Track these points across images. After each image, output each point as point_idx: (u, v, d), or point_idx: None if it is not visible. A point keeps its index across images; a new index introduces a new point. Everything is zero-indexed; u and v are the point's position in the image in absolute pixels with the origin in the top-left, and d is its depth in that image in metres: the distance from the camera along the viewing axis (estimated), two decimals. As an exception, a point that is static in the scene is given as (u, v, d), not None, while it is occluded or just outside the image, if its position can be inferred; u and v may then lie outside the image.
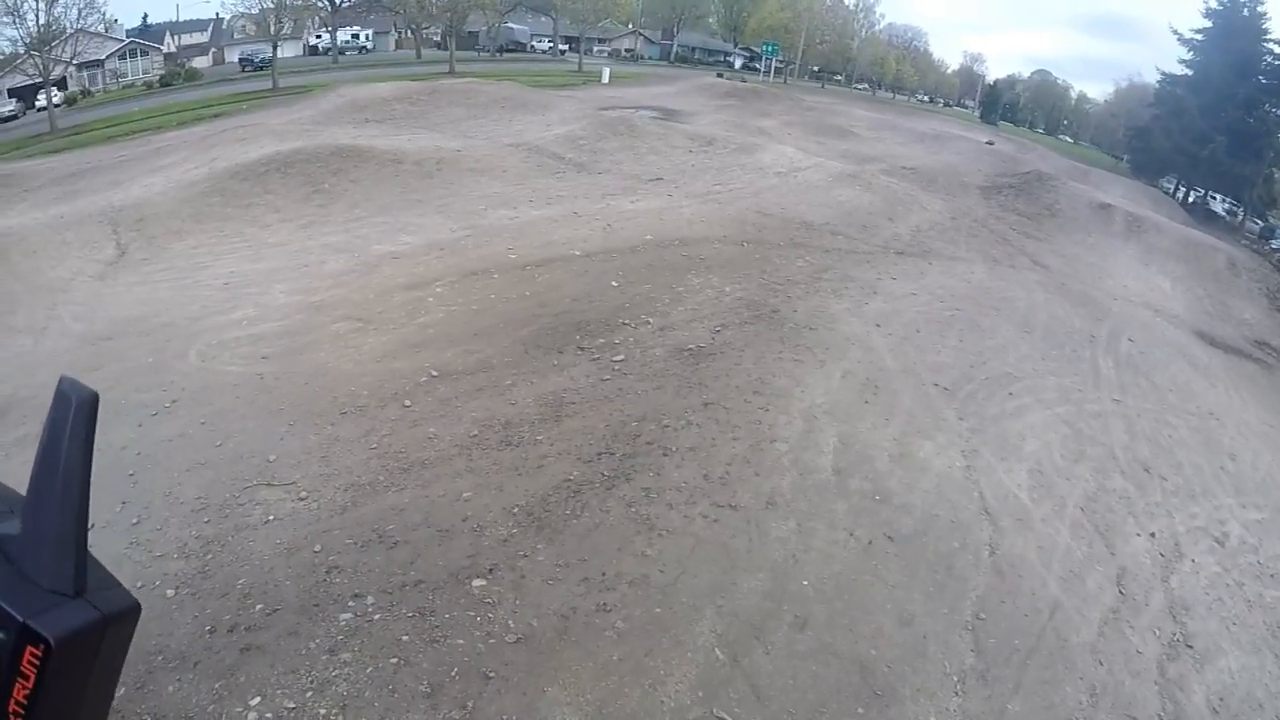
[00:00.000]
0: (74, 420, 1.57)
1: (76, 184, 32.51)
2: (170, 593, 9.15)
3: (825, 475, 11.73)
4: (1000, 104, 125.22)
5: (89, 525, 1.73)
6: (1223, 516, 14.46)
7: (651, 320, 16.38)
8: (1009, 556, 11.08)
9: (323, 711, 7.70)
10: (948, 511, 11.61)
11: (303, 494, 10.95)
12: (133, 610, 1.61)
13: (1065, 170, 55.65)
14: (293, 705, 7.72)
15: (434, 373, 14.16)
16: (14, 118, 62.59)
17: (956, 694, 8.63)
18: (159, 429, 12.95)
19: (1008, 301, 21.61)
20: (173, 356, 15.69)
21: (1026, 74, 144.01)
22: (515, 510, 10.44)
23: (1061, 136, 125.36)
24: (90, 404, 1.58)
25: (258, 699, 7.76)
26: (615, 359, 14.61)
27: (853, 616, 9.30)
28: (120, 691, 6.45)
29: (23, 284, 20.99)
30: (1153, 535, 12.84)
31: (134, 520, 10.54)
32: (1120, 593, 11.26)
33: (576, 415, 12.71)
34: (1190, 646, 10.70)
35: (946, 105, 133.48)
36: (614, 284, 18.10)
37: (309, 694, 7.84)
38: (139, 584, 9.28)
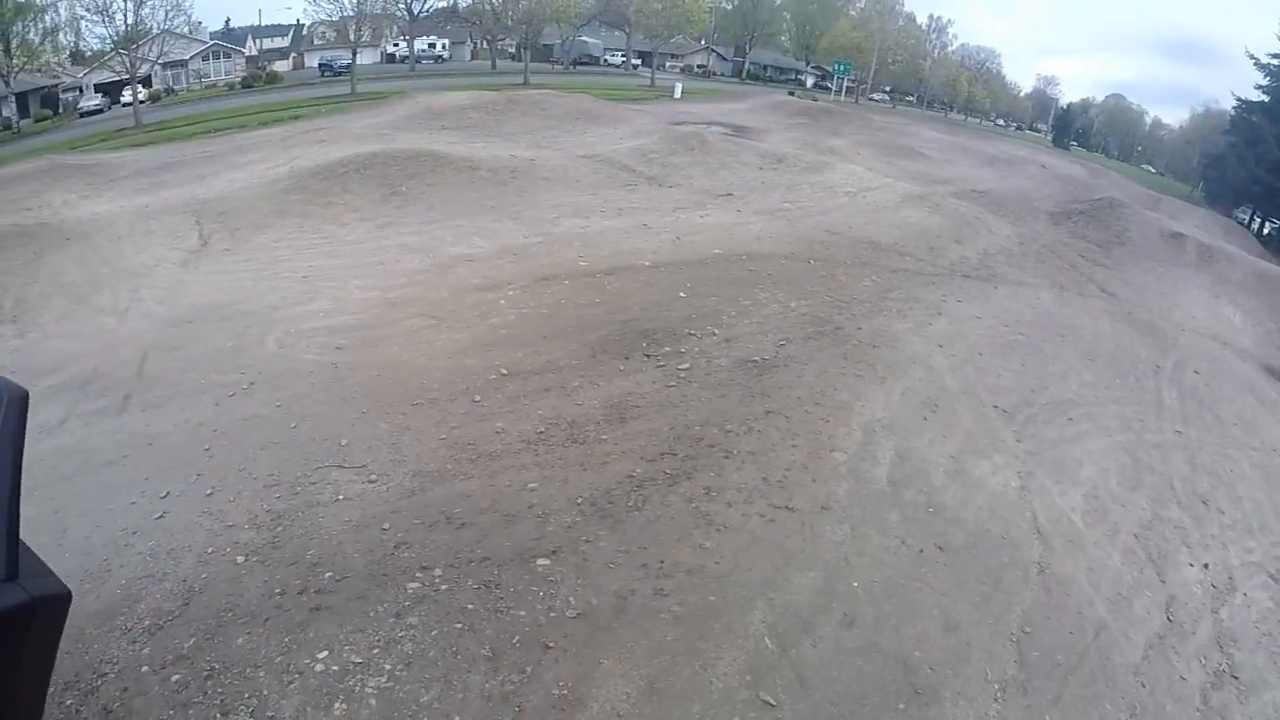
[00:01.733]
0: (4, 416, 1.82)
1: (161, 176, 33.92)
2: (240, 559, 9.82)
3: (881, 485, 12.03)
4: (1073, 128, 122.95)
5: (18, 515, 2.06)
6: (1280, 553, 14.36)
7: (717, 331, 16.79)
8: (1058, 575, 11.21)
9: (388, 667, 8.26)
10: (999, 528, 11.80)
11: (372, 477, 11.56)
12: (63, 596, 1.89)
13: (1137, 198, 54.75)
14: (359, 660, 8.31)
15: (503, 371, 14.74)
16: (99, 112, 65.12)
17: (996, 700, 8.86)
18: (235, 409, 13.74)
19: (1073, 328, 21.50)
20: (251, 342, 16.55)
21: (1100, 98, 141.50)
22: (579, 501, 10.96)
23: (1146, 167, 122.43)
24: (21, 401, 1.87)
25: (325, 653, 8.37)
26: (680, 367, 15.04)
27: (900, 619, 9.60)
28: (190, 642, 7.73)
29: (108, 267, 22.08)
30: (1206, 566, 12.77)
31: (207, 492, 11.27)
32: (1168, 619, 11.29)
33: (641, 418, 13.18)
34: (1236, 678, 10.66)
35: (1019, 129, 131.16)
36: (681, 295, 18.55)
37: (375, 651, 8.41)
38: (209, 550, 10.04)
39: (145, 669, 8.35)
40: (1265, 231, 72.28)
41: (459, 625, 8.80)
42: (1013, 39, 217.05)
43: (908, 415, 14.42)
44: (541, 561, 9.84)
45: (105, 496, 11.49)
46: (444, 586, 9.36)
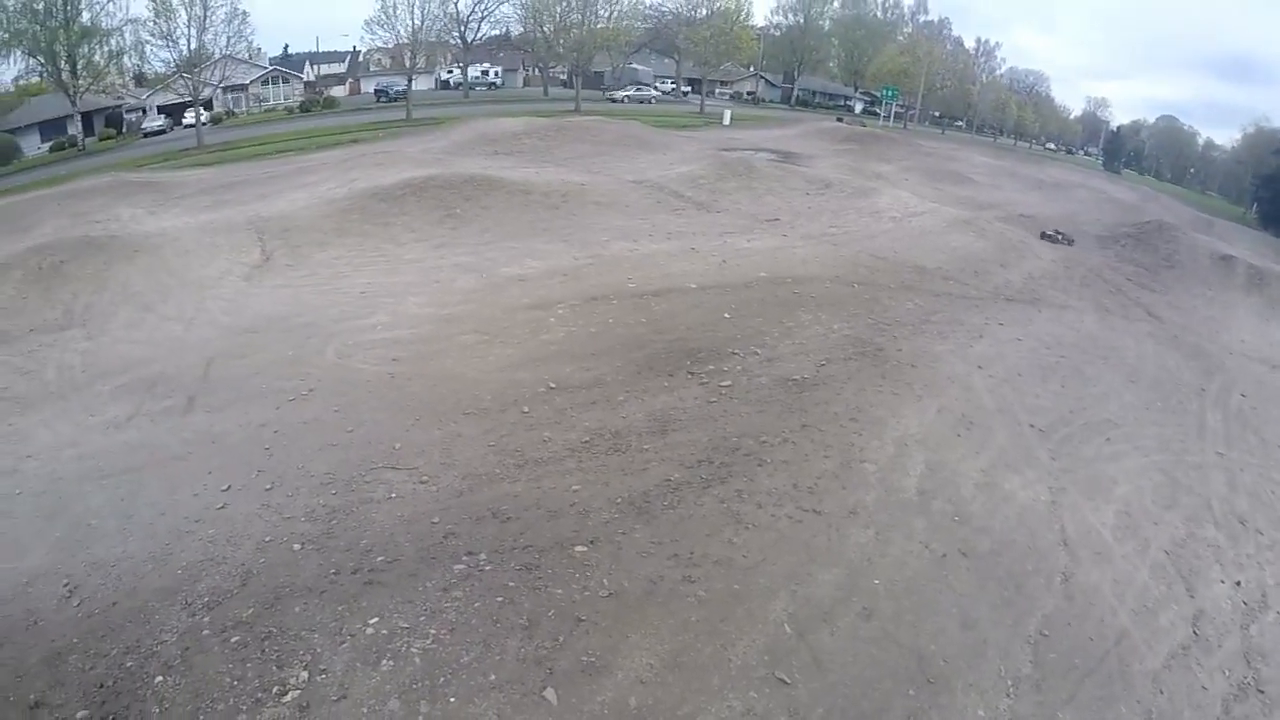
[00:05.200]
0: None
1: (225, 195, 35.32)
2: (297, 547, 10.82)
3: (909, 495, 12.53)
4: (1124, 151, 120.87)
5: None
6: (1321, 576, 14.29)
7: (760, 351, 17.36)
8: (1082, 585, 11.55)
9: (433, 631, 9.21)
10: (1026, 538, 12.18)
11: (424, 478, 12.49)
12: None
13: (1188, 221, 54.06)
14: (406, 625, 9.27)
15: (552, 385, 15.53)
16: (163, 132, 67.23)
17: (1008, 695, 9.33)
18: (296, 412, 14.81)
19: (1116, 351, 21.60)
20: (312, 352, 17.62)
21: (1151, 119, 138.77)
22: (618, 501, 11.74)
23: (1209, 193, 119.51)
24: None
25: (376, 619, 9.39)
26: (723, 384, 15.65)
27: (918, 614, 10.12)
28: (249, 611, 9.14)
29: (175, 279, 23.34)
30: (1238, 584, 12.89)
31: (267, 487, 12.32)
32: (1194, 633, 11.51)
33: (682, 430, 13.83)
34: (1262, 691, 10.86)
35: (1069, 153, 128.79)
36: (726, 316, 19.14)
37: (422, 618, 9.39)
38: (267, 538, 11.07)
39: (206, 633, 9.30)
40: (1321, 253, 70.35)
41: (500, 599, 9.68)
42: (1062, 61, 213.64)
43: (941, 431, 14.86)
44: (579, 549, 10.63)
45: (170, 488, 12.49)
46: (488, 568, 10.22)
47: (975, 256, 28.55)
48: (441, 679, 8.61)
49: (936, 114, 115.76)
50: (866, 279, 23.51)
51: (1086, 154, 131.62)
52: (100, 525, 11.70)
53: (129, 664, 8.94)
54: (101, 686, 8.70)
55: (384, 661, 8.80)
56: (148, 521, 11.64)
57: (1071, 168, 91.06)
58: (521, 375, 15.99)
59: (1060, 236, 35.06)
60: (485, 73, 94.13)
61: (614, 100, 77.12)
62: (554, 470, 12.57)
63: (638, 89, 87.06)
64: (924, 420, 15.10)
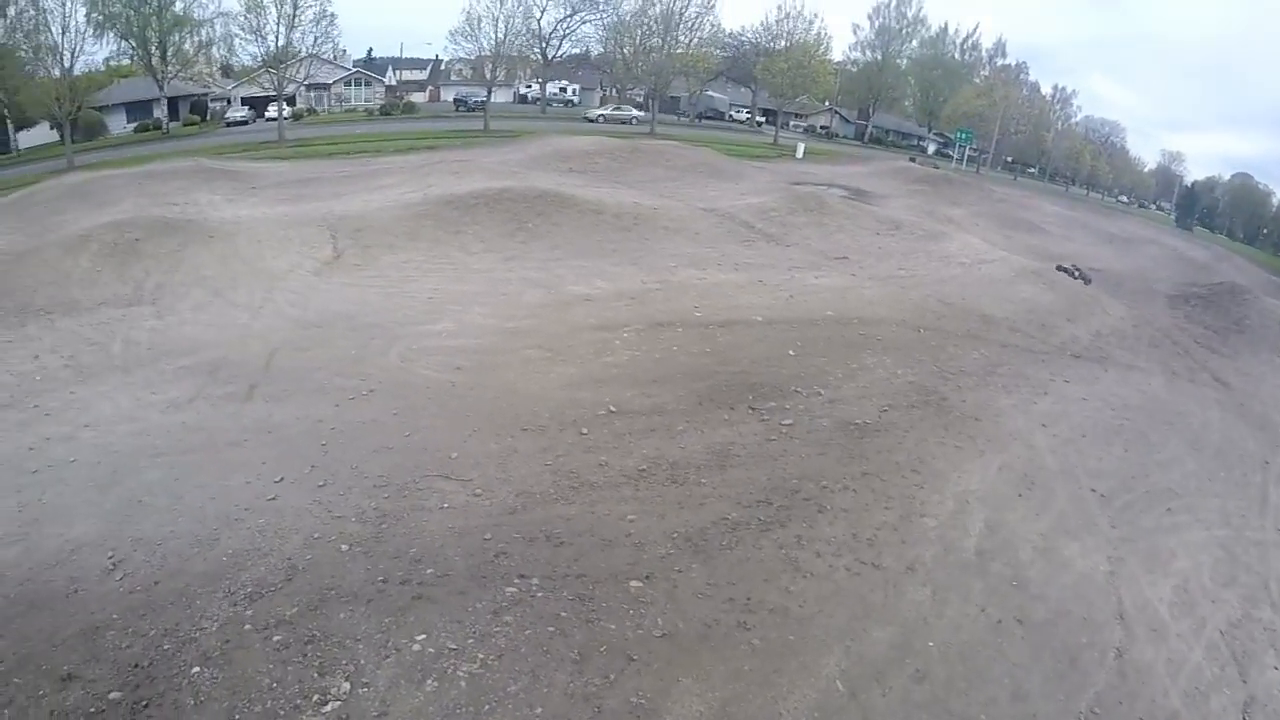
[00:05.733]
0: None
1: (301, 189, 36.11)
2: (344, 548, 10.94)
3: (968, 554, 12.39)
4: (1197, 207, 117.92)
5: None
6: (1382, 668, 13.97)
7: (823, 392, 17.29)
8: (1136, 663, 11.33)
9: (480, 656, 9.19)
10: (1082, 609, 11.97)
11: (478, 491, 12.59)
12: None
13: (1260, 284, 52.35)
14: (454, 647, 9.27)
15: (612, 408, 15.61)
16: (245, 123, 69.58)
17: (1057, 774, 9.19)
18: (354, 411, 15.07)
19: (1181, 416, 21.15)
20: (375, 353, 17.97)
21: (1226, 176, 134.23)
22: (675, 535, 11.73)
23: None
24: None
25: (423, 636, 9.40)
26: (784, 422, 15.61)
27: (970, 681, 9.99)
28: (292, 609, 9.19)
29: (246, 267, 23.99)
30: None
31: (320, 483, 12.53)
32: (1244, 718, 11.29)
33: (740, 466, 13.82)
34: None
35: (1140, 206, 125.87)
36: (790, 353, 19.10)
37: (470, 641, 9.38)
38: (315, 535, 11.23)
39: (248, 627, 9.38)
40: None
41: (551, 629, 9.65)
42: (1138, 111, 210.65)
43: (1003, 490, 14.67)
44: (634, 583, 10.61)
45: (223, 473, 12.75)
46: (540, 594, 10.21)
47: (1043, 309, 28.09)
48: (486, 707, 8.60)
49: (1009, 159, 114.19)
50: (933, 325, 23.31)
51: (1158, 208, 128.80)
52: (151, 502, 11.97)
53: (166, 647, 9.05)
54: (136, 667, 8.79)
55: (429, 682, 8.82)
56: (198, 504, 11.89)
57: (1143, 222, 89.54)
58: (582, 395, 16.10)
59: (1077, 273, 34.44)
60: (562, 90, 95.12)
61: (589, 120, 74.92)
62: (609, 496, 12.61)
63: (616, 108, 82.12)
64: (986, 477, 14.93)
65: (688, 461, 13.81)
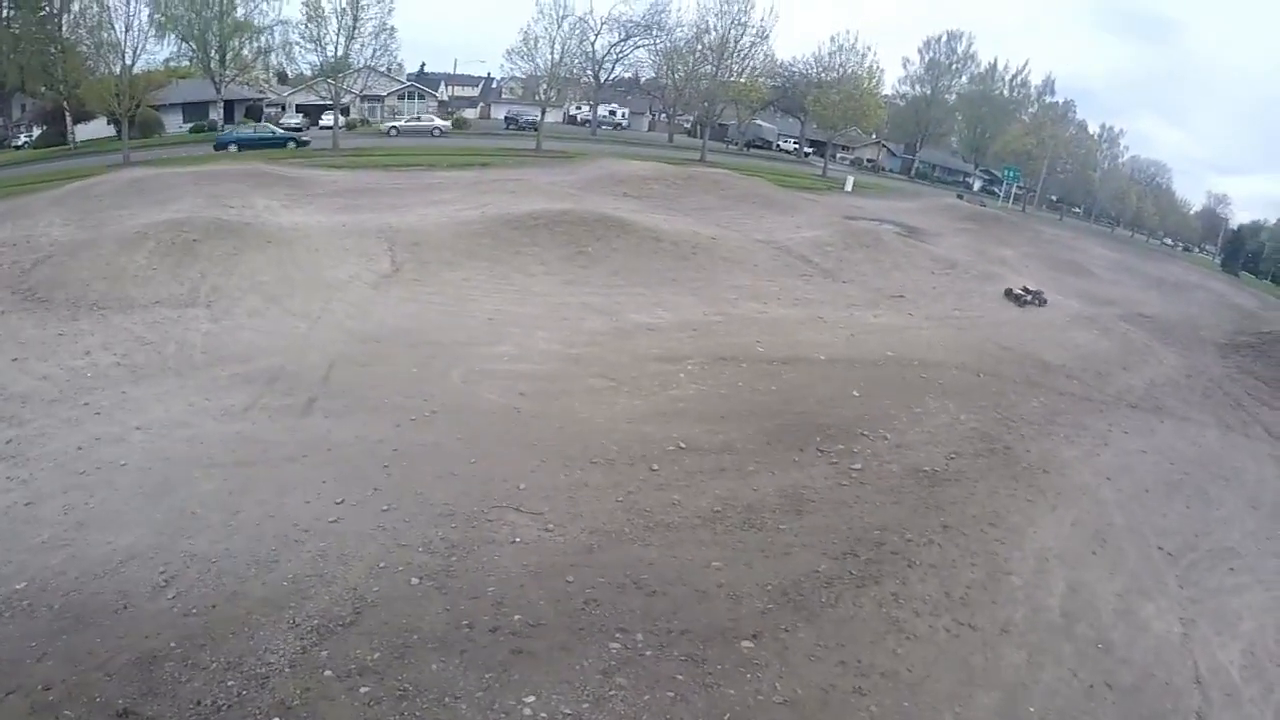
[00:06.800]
0: None
1: (357, 199, 36.19)
2: (414, 580, 10.66)
3: (1054, 615, 12.17)
4: (1243, 252, 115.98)
5: None
6: None
7: (889, 436, 17.12)
8: (1216, 729, 11.11)
9: None
10: (1163, 673, 11.77)
11: (550, 526, 12.34)
12: None
13: None
14: (569, 712, 8.83)
15: (681, 444, 15.43)
16: (299, 130, 69.44)
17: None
18: (417, 433, 14.85)
19: (1237, 472, 20.80)
20: (436, 373, 17.81)
21: (1273, 220, 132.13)
22: (769, 588, 11.45)
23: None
24: None
25: (532, 698, 8.93)
26: (854, 466, 15.44)
27: (1073, 748, 9.77)
28: (374, 655, 8.71)
29: (303, 275, 24.03)
30: None
31: (384, 508, 12.28)
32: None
33: (817, 513, 13.63)
34: None
35: (1185, 249, 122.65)
36: (855, 394, 18.95)
37: (585, 705, 8.95)
38: (381, 564, 10.96)
39: (328, 674, 8.96)
40: None
41: (670, 694, 9.27)
42: (1186, 151, 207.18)
43: (1077, 547, 14.45)
44: (745, 644, 10.30)
45: (280, 490, 12.55)
46: (648, 653, 9.87)
47: (1098, 356, 27.97)
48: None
49: (1053, 198, 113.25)
50: (992, 369, 23.16)
51: (1203, 251, 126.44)
52: (204, 516, 11.75)
53: (231, 684, 8.65)
54: (199, 705, 8.37)
55: (551, 753, 8.31)
56: (254, 521, 11.68)
57: (1189, 266, 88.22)
58: (649, 430, 15.95)
59: (1031, 297, 33.37)
60: (612, 112, 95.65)
61: (386, 133, 70.26)
62: (688, 539, 12.41)
63: (415, 118, 75.71)
64: (1060, 533, 14.74)
65: (762, 504, 13.64)
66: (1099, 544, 14.87)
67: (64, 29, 56.89)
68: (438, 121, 72.40)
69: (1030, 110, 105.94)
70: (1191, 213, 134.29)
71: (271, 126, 65.72)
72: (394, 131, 68.74)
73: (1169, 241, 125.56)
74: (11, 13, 58.42)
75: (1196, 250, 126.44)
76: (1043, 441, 18.89)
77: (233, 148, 56.48)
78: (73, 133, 61.65)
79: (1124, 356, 28.93)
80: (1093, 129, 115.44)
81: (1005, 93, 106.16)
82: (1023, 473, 16.76)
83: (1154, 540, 15.76)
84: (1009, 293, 33.14)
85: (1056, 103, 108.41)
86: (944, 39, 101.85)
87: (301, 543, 11.24)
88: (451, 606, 10.19)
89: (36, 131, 65.25)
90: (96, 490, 12.33)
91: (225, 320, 20.46)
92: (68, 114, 60.55)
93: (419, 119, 73.49)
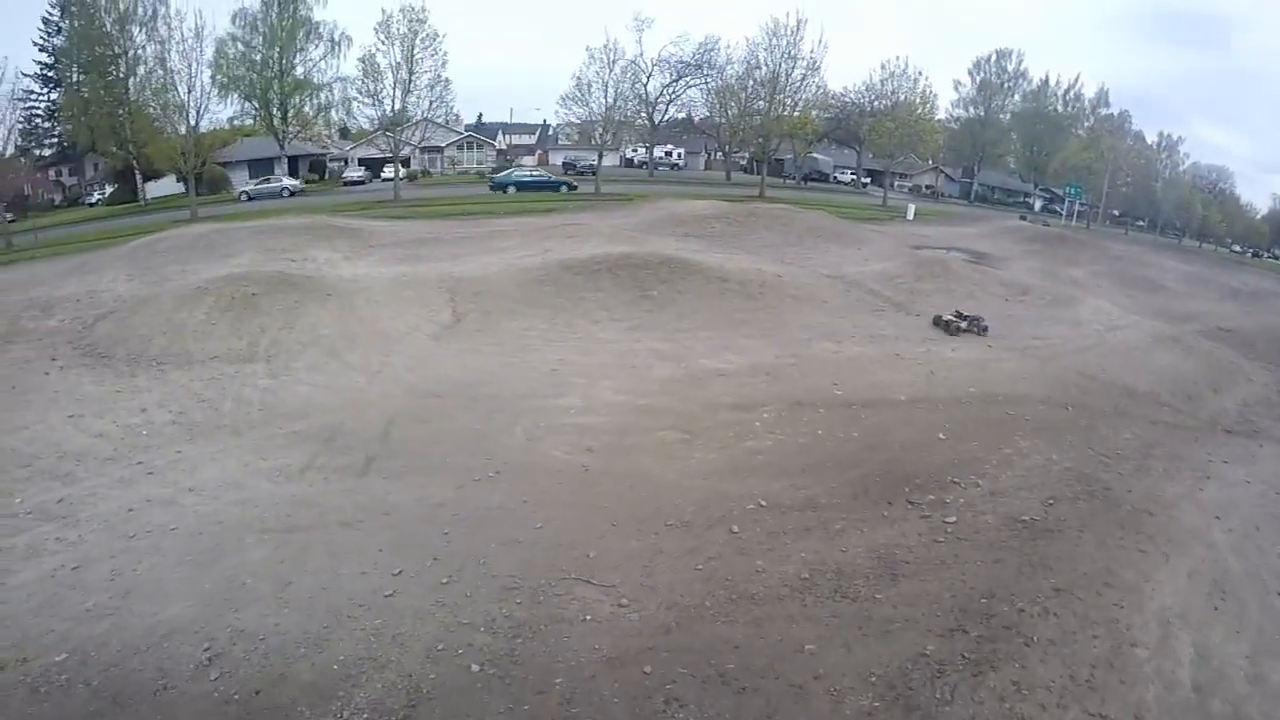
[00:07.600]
0: None
1: (418, 249, 36.19)
2: (475, 667, 9.81)
3: (1186, 691, 11.03)
4: None
5: None
6: None
7: (981, 483, 16.12)
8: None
9: None
10: (1306, 750, 10.62)
11: (623, 600, 11.43)
12: None
13: None
14: None
15: (762, 502, 14.51)
16: (361, 183, 72.87)
17: None
18: (478, 496, 14.08)
19: None
20: (498, 428, 17.13)
21: None
22: (872, 679, 10.35)
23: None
24: None
25: None
26: (947, 519, 14.45)
27: None
28: None
29: (363, 328, 23.71)
30: None
31: (443, 580, 11.53)
32: None
33: (914, 577, 12.63)
34: None
35: (1255, 255, 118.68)
36: (941, 436, 17.99)
37: None
38: (439, 645, 10.15)
39: None
40: None
41: None
42: (1244, 153, 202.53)
43: (1198, 603, 13.24)
44: None
45: (335, 558, 11.90)
46: None
47: (1185, 378, 26.60)
48: None
49: (1116, 212, 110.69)
50: (1078, 401, 21.99)
51: (1274, 257, 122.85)
52: (254, 587, 11.22)
53: None
54: None
55: None
56: (307, 595, 11.07)
57: (1262, 272, 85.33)
58: (727, 486, 15.06)
59: (969, 324, 28.89)
60: (668, 153, 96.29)
61: (236, 198, 65.22)
62: (775, 613, 11.44)
63: (263, 181, 68.25)
64: (1178, 587, 13.51)
65: (854, 569, 12.65)
66: (1219, 597, 13.63)
67: (131, 92, 59.28)
68: (286, 181, 68.51)
69: (1086, 124, 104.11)
70: (1259, 216, 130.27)
71: (546, 172, 69.88)
72: (243, 197, 65.07)
73: (1237, 248, 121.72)
74: (81, 77, 60.96)
75: (1266, 255, 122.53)
76: (1142, 479, 17.72)
77: (511, 189, 61.43)
78: (143, 190, 64.09)
79: (1212, 376, 27.52)
80: (1150, 138, 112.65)
81: (1059, 108, 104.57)
82: (1128, 517, 15.58)
83: (1273, 586, 14.46)
84: (938, 320, 29.22)
85: (1112, 114, 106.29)
86: (993, 58, 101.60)
87: (355, 619, 10.60)
88: (514, 705, 9.34)
89: (109, 190, 67.58)
90: (145, 556, 11.97)
91: (284, 376, 20.21)
92: (137, 172, 62.80)
93: (267, 180, 68.81)
